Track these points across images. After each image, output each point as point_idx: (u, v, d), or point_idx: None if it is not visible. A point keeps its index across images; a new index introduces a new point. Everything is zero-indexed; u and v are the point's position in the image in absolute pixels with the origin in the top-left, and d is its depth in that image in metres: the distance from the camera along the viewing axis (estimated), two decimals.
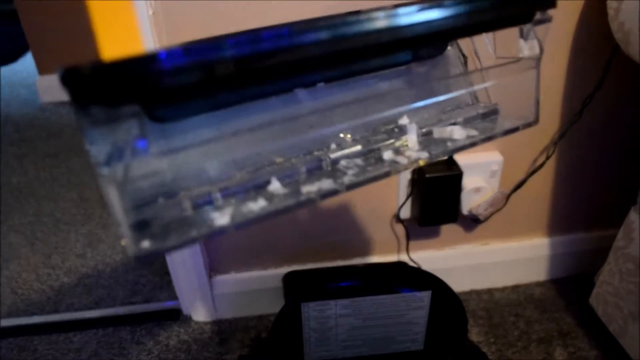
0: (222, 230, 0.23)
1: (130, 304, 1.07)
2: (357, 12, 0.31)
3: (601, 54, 0.83)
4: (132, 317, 1.04)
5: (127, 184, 0.21)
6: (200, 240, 0.22)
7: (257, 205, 0.24)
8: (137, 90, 0.19)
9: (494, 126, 0.31)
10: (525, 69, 0.31)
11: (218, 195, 0.24)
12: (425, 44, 0.30)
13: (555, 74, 0.86)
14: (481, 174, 0.91)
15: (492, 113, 0.32)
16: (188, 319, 1.02)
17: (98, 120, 0.20)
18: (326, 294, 0.82)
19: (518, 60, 0.30)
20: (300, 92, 0.26)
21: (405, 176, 0.89)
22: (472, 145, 0.30)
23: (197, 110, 0.24)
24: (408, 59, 0.31)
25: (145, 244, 0.21)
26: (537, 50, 0.30)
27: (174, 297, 1.04)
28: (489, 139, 0.30)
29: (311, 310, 0.82)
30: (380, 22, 0.23)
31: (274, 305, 0.90)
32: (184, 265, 0.93)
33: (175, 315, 1.03)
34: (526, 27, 0.30)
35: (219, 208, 0.23)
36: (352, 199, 0.93)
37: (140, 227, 0.22)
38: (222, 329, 1.00)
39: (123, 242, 0.22)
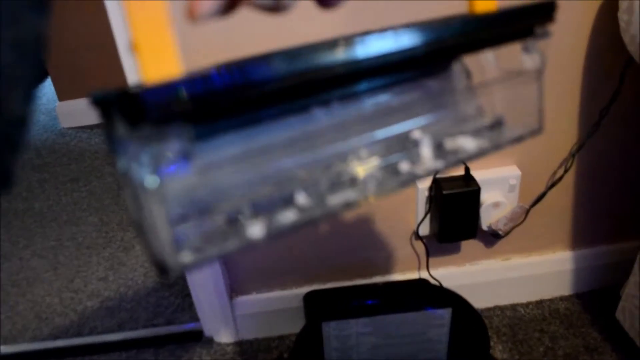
0: (255, 242, 0.24)
1: (152, 326, 1.08)
2: (367, 33, 0.33)
3: (615, 65, 0.83)
4: (154, 339, 1.04)
5: (168, 200, 0.23)
6: (236, 252, 0.23)
7: (287, 217, 0.25)
8: (189, 110, 0.21)
9: (501, 136, 0.33)
10: (528, 81, 0.32)
11: (249, 209, 0.25)
12: (431, 62, 0.31)
13: (571, 86, 0.85)
14: (499, 188, 0.90)
15: (498, 123, 0.34)
16: (210, 340, 1.03)
17: (145, 140, 0.21)
18: (347, 313, 0.82)
19: (521, 73, 0.32)
20: (318, 110, 0.28)
21: (423, 193, 0.89)
22: (482, 154, 0.31)
23: (227, 129, 0.25)
24: (417, 74, 0.32)
25: (185, 256, 0.22)
26: (538, 63, 0.31)
27: (196, 319, 1.04)
28: (497, 147, 0.32)
29: (332, 330, 0.82)
30: (390, 43, 0.25)
31: (295, 325, 0.90)
32: (205, 287, 0.94)
33: (198, 337, 1.03)
34: (527, 42, 0.31)
35: (250, 221, 0.24)
36: (371, 217, 0.93)
37: (179, 241, 0.23)
38: (244, 350, 1.00)
39: (160, 257, 0.23)
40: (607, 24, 0.80)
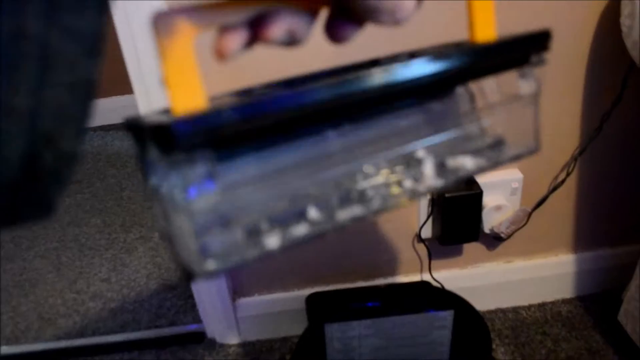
0: (272, 252, 0.26)
1: (155, 327, 1.08)
2: (376, 62, 0.35)
3: (617, 70, 0.83)
4: (157, 340, 1.05)
5: (195, 215, 0.26)
6: (254, 261, 0.26)
7: (300, 230, 0.27)
8: (214, 139, 0.23)
9: (501, 155, 0.35)
10: (526, 104, 0.35)
11: (265, 223, 0.27)
12: (436, 89, 0.34)
13: (573, 91, 0.86)
14: (501, 192, 0.91)
15: (498, 143, 0.36)
16: (212, 341, 1.03)
17: (174, 164, 0.23)
18: (349, 315, 0.83)
19: (519, 97, 0.34)
20: (330, 132, 0.30)
21: (426, 196, 0.90)
22: (482, 172, 0.34)
23: (246, 152, 0.28)
24: (423, 99, 0.35)
25: (210, 264, 0.25)
26: (535, 89, 0.34)
27: (198, 320, 1.05)
28: (496, 166, 0.34)
29: (334, 332, 0.82)
30: (398, 74, 0.27)
31: (297, 327, 0.91)
32: (208, 289, 0.95)
33: (200, 338, 1.04)
34: (524, 69, 0.33)
35: (267, 233, 0.27)
36: (374, 220, 0.93)
37: (204, 251, 0.26)
38: (247, 352, 1.00)
39: (188, 265, 0.26)
40: (609, 29, 0.80)
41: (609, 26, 0.80)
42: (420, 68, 0.28)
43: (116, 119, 1.67)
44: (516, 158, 0.35)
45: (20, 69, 0.19)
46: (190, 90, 0.24)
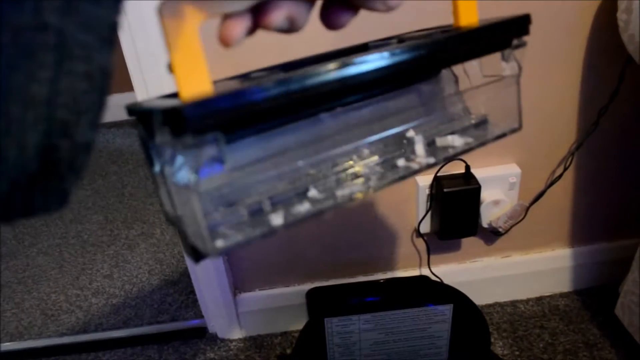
0: (276, 229, 0.28)
1: (157, 323, 1.09)
2: (366, 47, 0.36)
3: (615, 64, 0.84)
4: (159, 335, 1.06)
5: (204, 196, 0.27)
6: (259, 238, 0.27)
7: (302, 208, 0.29)
8: (223, 122, 0.24)
9: (486, 133, 0.37)
10: (508, 85, 0.37)
11: (268, 203, 0.29)
12: (423, 72, 0.36)
13: (570, 86, 0.86)
14: (499, 186, 0.91)
15: (482, 123, 0.38)
16: (214, 336, 1.04)
17: (186, 146, 0.24)
18: (349, 309, 0.83)
19: (501, 78, 0.36)
20: (324, 116, 0.31)
21: (424, 191, 0.90)
22: (470, 150, 0.35)
23: (249, 134, 0.30)
24: (410, 81, 0.37)
25: (219, 242, 0.26)
26: (516, 70, 0.36)
27: (200, 316, 1.06)
28: (482, 144, 0.36)
29: (334, 326, 0.83)
30: (386, 60, 0.29)
31: (298, 322, 0.92)
32: (209, 284, 0.95)
33: (201, 334, 1.05)
34: (506, 52, 0.35)
35: (271, 212, 0.28)
36: (373, 214, 0.94)
37: (212, 230, 0.27)
38: (248, 346, 1.01)
39: (198, 244, 0.27)
40: (606, 24, 0.81)
41: (606, 21, 0.81)
42: (408, 54, 0.29)
43: (117, 116, 1.67)
44: (501, 136, 0.37)
45: (37, 59, 0.19)
46: (197, 75, 0.25)
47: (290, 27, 0.27)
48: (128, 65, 0.75)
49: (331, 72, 0.27)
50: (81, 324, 1.11)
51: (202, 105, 0.23)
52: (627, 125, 0.91)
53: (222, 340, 1.03)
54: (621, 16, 0.74)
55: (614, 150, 0.93)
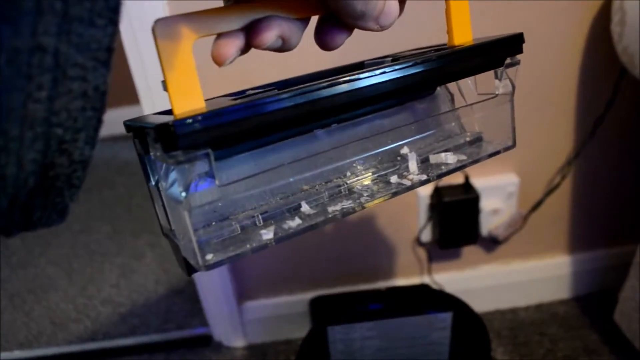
0: (267, 244, 0.28)
1: (163, 331, 1.11)
2: (361, 65, 0.37)
3: (610, 75, 0.85)
4: (165, 343, 1.07)
5: (195, 211, 0.27)
6: (250, 253, 0.28)
7: (294, 223, 0.29)
8: (213, 138, 0.25)
9: (480, 151, 0.37)
10: (502, 103, 0.37)
11: (260, 218, 0.29)
12: (418, 90, 0.36)
13: (567, 97, 0.88)
14: (498, 196, 0.93)
15: (477, 140, 0.38)
16: (219, 344, 1.06)
17: (176, 162, 0.24)
18: (351, 317, 0.85)
19: (495, 96, 0.36)
20: (319, 132, 0.32)
21: (425, 201, 0.92)
22: (463, 167, 0.35)
23: (242, 150, 0.30)
24: (406, 99, 0.37)
25: (210, 257, 0.27)
26: (510, 88, 0.36)
27: (205, 324, 1.07)
28: (476, 162, 0.36)
29: (337, 334, 0.84)
30: (382, 77, 0.29)
31: (301, 330, 0.93)
32: (214, 293, 0.97)
33: (207, 342, 1.06)
34: (499, 70, 0.35)
35: (262, 227, 0.29)
36: (375, 224, 0.96)
37: (204, 244, 0.27)
38: (252, 354, 1.03)
39: (188, 258, 0.27)
40: (600, 36, 0.82)
41: (601, 33, 0.82)
42: (402, 72, 0.30)
43: (124, 129, 1.69)
44: (494, 154, 0.37)
45: (35, 80, 0.19)
46: (190, 92, 0.25)
47: (283, 46, 0.28)
48: (134, 78, 0.76)
49: (324, 90, 0.27)
50: (89, 333, 1.13)
51: (192, 122, 0.24)
52: (623, 135, 0.92)
53: (227, 348, 1.05)
54: (615, 28, 0.76)
55: (610, 159, 0.95)
